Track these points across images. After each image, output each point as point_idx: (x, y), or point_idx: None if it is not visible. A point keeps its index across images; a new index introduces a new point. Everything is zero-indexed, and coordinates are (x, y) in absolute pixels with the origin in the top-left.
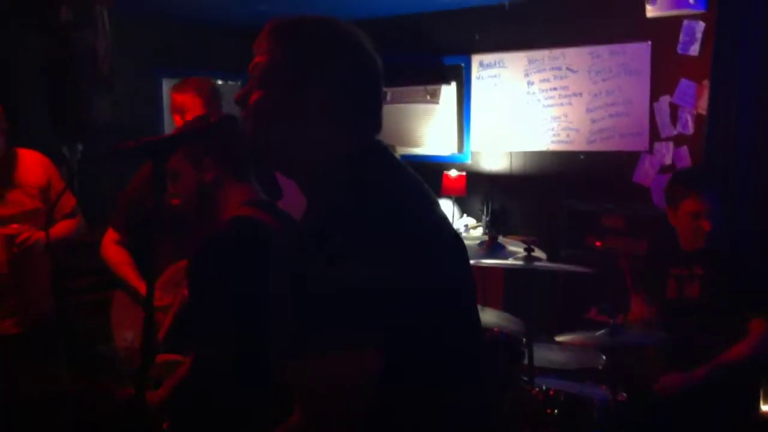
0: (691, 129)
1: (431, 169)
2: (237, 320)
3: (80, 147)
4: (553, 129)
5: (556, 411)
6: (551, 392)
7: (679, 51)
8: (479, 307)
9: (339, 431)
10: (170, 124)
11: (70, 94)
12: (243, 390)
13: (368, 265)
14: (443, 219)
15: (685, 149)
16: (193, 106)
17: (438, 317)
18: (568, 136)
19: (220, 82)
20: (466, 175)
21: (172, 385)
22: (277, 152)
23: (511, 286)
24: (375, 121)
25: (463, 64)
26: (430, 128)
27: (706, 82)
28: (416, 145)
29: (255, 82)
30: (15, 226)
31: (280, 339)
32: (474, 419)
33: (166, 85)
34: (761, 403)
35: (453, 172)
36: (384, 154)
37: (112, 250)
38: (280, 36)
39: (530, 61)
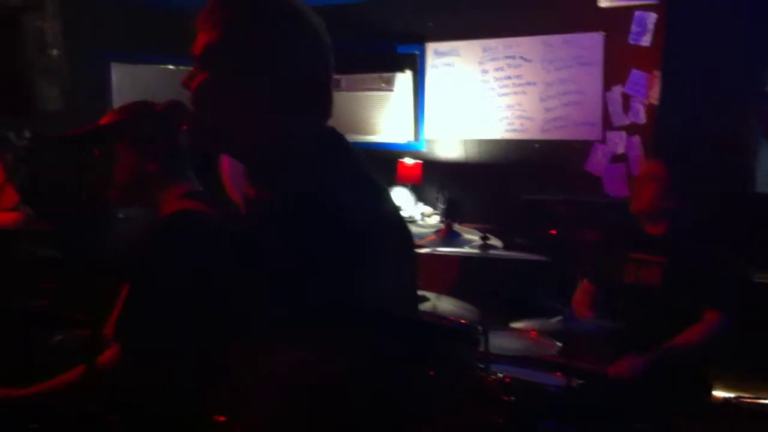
0: (642, 119)
1: (387, 157)
2: (185, 314)
3: (27, 134)
4: (507, 117)
5: (512, 398)
6: (507, 379)
7: (631, 41)
8: (435, 295)
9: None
10: None
11: (17, 79)
12: (187, 389)
13: (320, 257)
14: (392, 209)
15: (637, 138)
16: None
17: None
18: (522, 124)
19: (171, 67)
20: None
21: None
22: (223, 137)
23: (466, 274)
24: (325, 106)
25: (417, 53)
26: (385, 116)
27: (657, 73)
28: (371, 133)
29: (198, 63)
30: None
31: (237, 329)
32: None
33: (115, 70)
34: (712, 388)
35: (408, 160)
36: (333, 140)
37: None
38: (222, 14)
39: (484, 50)
